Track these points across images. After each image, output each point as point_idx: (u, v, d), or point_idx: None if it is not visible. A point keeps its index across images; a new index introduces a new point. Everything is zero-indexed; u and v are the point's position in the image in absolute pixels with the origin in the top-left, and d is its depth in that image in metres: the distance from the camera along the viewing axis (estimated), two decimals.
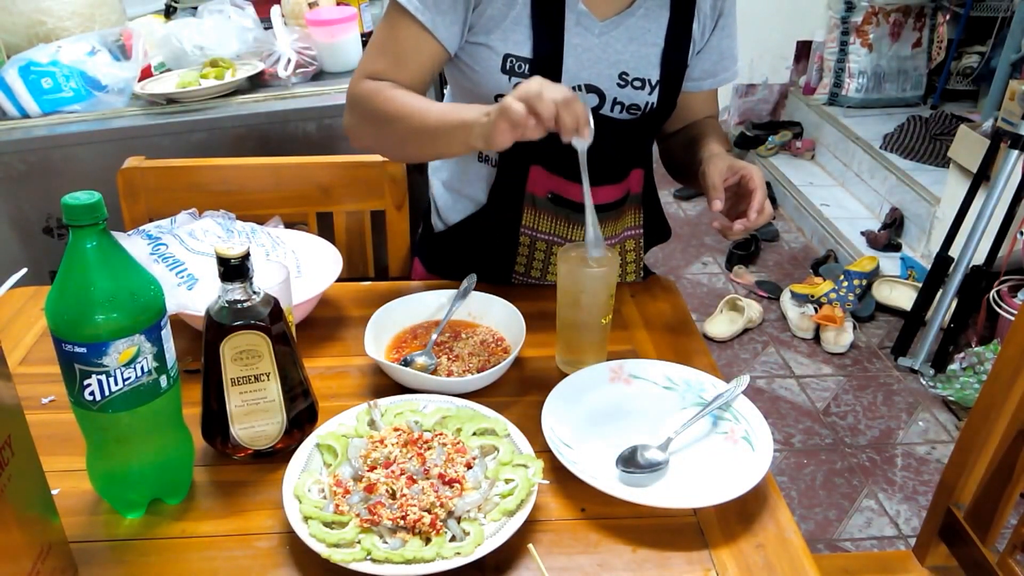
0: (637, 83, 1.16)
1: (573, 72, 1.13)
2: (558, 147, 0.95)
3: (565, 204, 1.21)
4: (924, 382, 2.56)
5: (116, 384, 0.75)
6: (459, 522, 0.80)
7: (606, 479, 0.87)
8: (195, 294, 1.03)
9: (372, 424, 0.93)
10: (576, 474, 0.86)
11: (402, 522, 0.78)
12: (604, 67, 1.14)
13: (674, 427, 0.94)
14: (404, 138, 1.08)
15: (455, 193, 1.29)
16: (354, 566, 0.75)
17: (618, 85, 1.15)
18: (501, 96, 0.94)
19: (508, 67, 1.11)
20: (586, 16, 1.12)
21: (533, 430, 0.92)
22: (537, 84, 0.90)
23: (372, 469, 0.85)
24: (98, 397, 0.75)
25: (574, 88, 1.09)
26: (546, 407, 0.95)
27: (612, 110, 1.17)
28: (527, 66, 1.11)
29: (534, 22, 1.09)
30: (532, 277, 1.28)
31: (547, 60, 1.11)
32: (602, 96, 1.16)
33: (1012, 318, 1.71)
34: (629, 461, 0.90)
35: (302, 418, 0.91)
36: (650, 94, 1.17)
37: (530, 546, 0.80)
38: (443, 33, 1.09)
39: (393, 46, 1.10)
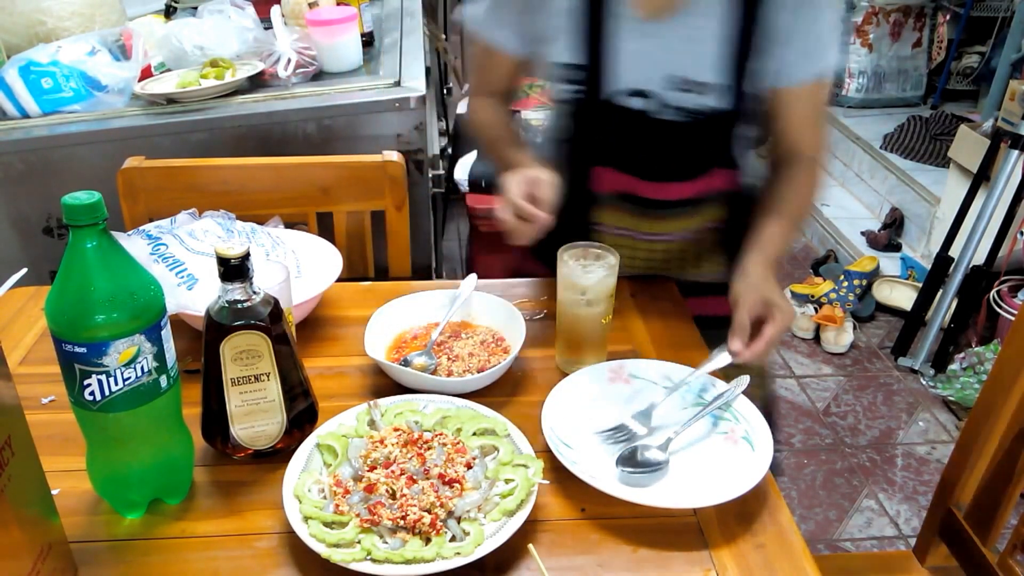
0: (690, 86, 1.10)
1: (621, 76, 1.11)
2: (622, 139, 1.11)
3: (630, 200, 1.19)
4: (924, 382, 2.56)
5: (116, 384, 0.75)
6: (459, 522, 0.80)
7: (606, 479, 0.87)
8: (195, 294, 1.03)
9: (372, 424, 0.93)
10: (576, 474, 0.86)
11: (402, 522, 0.78)
12: (653, 71, 1.10)
13: (674, 427, 0.94)
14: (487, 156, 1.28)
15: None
16: (354, 566, 0.75)
17: (668, 88, 1.11)
18: (563, 102, 1.16)
19: (561, 75, 1.14)
20: (631, 19, 1.09)
21: (533, 430, 0.92)
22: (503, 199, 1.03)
23: (372, 469, 0.85)
24: (98, 397, 0.75)
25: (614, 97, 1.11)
26: (546, 407, 0.95)
27: (662, 111, 1.12)
28: (577, 72, 1.13)
29: (583, 28, 1.10)
30: None
31: (592, 67, 1.11)
32: (652, 99, 1.12)
33: (1012, 318, 1.71)
34: (629, 461, 0.90)
35: (302, 418, 0.91)
36: (703, 96, 1.10)
37: (530, 546, 0.80)
38: (507, 44, 1.17)
39: (474, 61, 1.27)
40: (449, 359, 1.07)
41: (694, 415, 0.96)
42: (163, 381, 0.79)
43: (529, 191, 1.03)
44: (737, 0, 1.06)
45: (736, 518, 0.85)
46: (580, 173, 1.20)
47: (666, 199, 1.18)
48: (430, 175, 1.73)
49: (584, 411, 0.98)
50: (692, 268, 1.27)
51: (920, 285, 2.67)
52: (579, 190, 1.20)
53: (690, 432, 0.95)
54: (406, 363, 1.05)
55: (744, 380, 0.99)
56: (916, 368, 2.59)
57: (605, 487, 0.84)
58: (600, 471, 0.89)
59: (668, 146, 1.15)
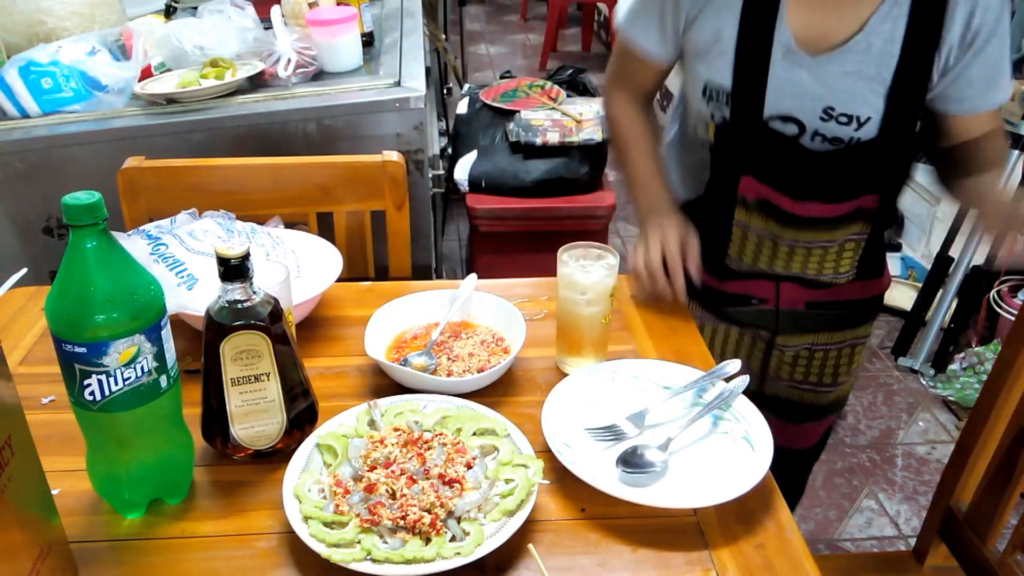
0: (843, 118, 1.10)
1: (772, 103, 1.11)
2: (769, 159, 1.14)
3: (773, 210, 1.19)
4: (924, 382, 2.56)
5: (116, 384, 0.75)
6: (459, 522, 0.80)
7: (606, 479, 0.87)
8: (195, 294, 1.03)
9: (372, 424, 0.93)
10: (576, 474, 0.86)
11: (402, 522, 0.78)
12: (808, 100, 1.10)
13: (674, 427, 0.94)
14: (616, 161, 1.32)
15: (683, 172, 1.30)
16: (354, 566, 0.75)
17: (821, 119, 1.11)
18: (711, 118, 1.16)
19: (708, 94, 1.14)
20: (795, 52, 1.09)
21: (533, 430, 0.92)
22: (641, 262, 1.16)
23: (372, 469, 0.85)
24: (98, 397, 0.75)
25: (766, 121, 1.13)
26: (546, 407, 0.95)
27: (812, 140, 1.13)
28: (726, 96, 1.13)
29: (738, 53, 1.09)
30: (744, 263, 1.27)
31: (746, 92, 1.11)
32: (802, 127, 1.12)
33: (1012, 318, 1.70)
34: (629, 461, 0.90)
35: (302, 418, 0.91)
36: (857, 129, 1.11)
37: (530, 546, 0.80)
38: (652, 50, 1.19)
39: (616, 59, 1.26)
40: (449, 359, 1.07)
41: (694, 415, 0.96)
42: (163, 381, 0.79)
43: (673, 251, 1.14)
44: (906, 43, 1.06)
45: (736, 518, 0.85)
46: (726, 178, 1.19)
47: (810, 216, 1.18)
48: (430, 175, 1.73)
49: (584, 411, 0.98)
50: (828, 270, 1.25)
51: (920, 285, 2.67)
52: (723, 191, 1.20)
53: (690, 432, 0.95)
54: (406, 363, 1.05)
55: (744, 380, 0.99)
56: (916, 368, 2.59)
57: (605, 487, 0.84)
58: (600, 471, 0.89)
59: (818, 172, 1.14)
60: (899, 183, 1.21)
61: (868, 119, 1.10)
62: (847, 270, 1.26)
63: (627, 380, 1.03)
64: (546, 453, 0.89)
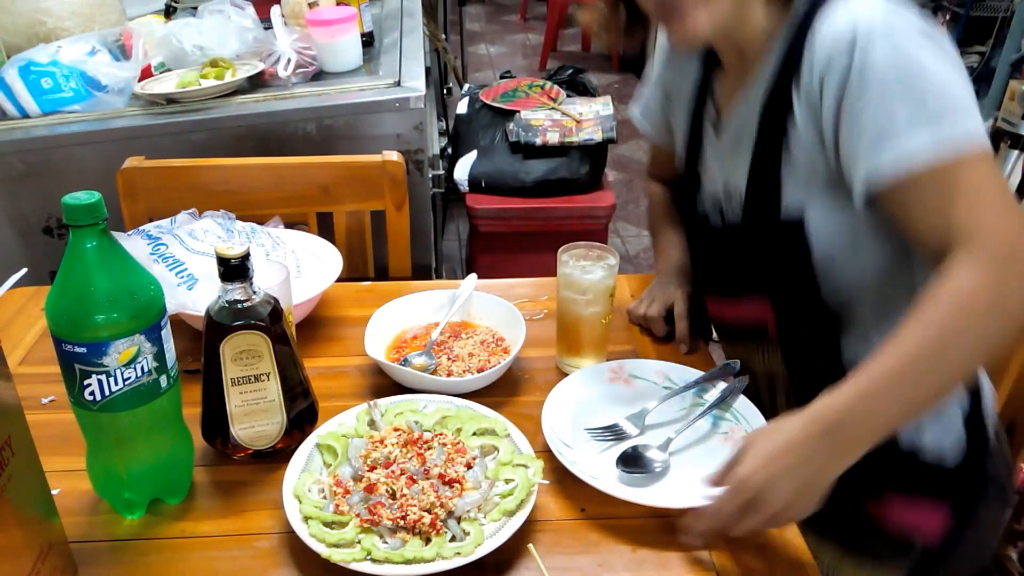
0: (732, 193, 0.99)
1: (705, 187, 1.06)
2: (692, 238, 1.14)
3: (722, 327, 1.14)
4: None
5: (116, 384, 0.75)
6: (459, 522, 0.80)
7: (606, 479, 0.87)
8: (195, 294, 1.03)
9: (372, 424, 0.93)
10: (576, 474, 0.86)
11: (402, 522, 0.78)
12: (718, 175, 1.02)
13: (674, 427, 0.94)
14: (649, 231, 1.34)
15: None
16: (354, 566, 0.75)
17: (724, 199, 1.02)
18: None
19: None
20: (711, 113, 1.04)
21: (533, 430, 0.92)
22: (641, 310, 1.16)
23: (372, 469, 0.85)
24: (98, 397, 0.75)
25: None
26: (546, 407, 0.95)
27: (717, 222, 1.04)
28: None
29: (687, 135, 1.10)
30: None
31: (687, 172, 1.10)
32: (715, 208, 1.04)
33: None
34: (629, 461, 0.90)
35: (302, 418, 0.91)
36: (730, 205, 1.00)
37: (530, 546, 0.80)
38: (653, 137, 1.22)
39: (649, 147, 1.29)
40: (449, 359, 1.07)
41: (694, 415, 0.96)
42: (163, 381, 0.79)
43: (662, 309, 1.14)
44: (768, 105, 0.91)
45: None
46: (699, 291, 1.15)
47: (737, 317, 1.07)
48: (430, 175, 1.73)
49: (584, 411, 0.98)
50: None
51: None
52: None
53: (690, 432, 0.95)
54: (406, 363, 1.05)
55: (744, 380, 0.99)
56: None
57: (605, 487, 0.84)
58: (600, 471, 0.89)
59: (709, 251, 1.09)
60: (795, 298, 0.96)
61: (740, 196, 0.97)
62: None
63: (627, 380, 1.03)
64: (546, 453, 0.89)
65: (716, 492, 0.76)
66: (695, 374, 1.02)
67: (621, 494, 0.84)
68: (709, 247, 1.08)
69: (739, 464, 0.75)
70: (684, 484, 0.88)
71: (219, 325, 0.83)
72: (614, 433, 0.95)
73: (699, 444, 0.95)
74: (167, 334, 0.79)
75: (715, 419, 0.97)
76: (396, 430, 0.89)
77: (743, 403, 0.97)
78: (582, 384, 1.01)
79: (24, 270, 1.20)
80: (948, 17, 3.75)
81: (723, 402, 0.97)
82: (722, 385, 1.00)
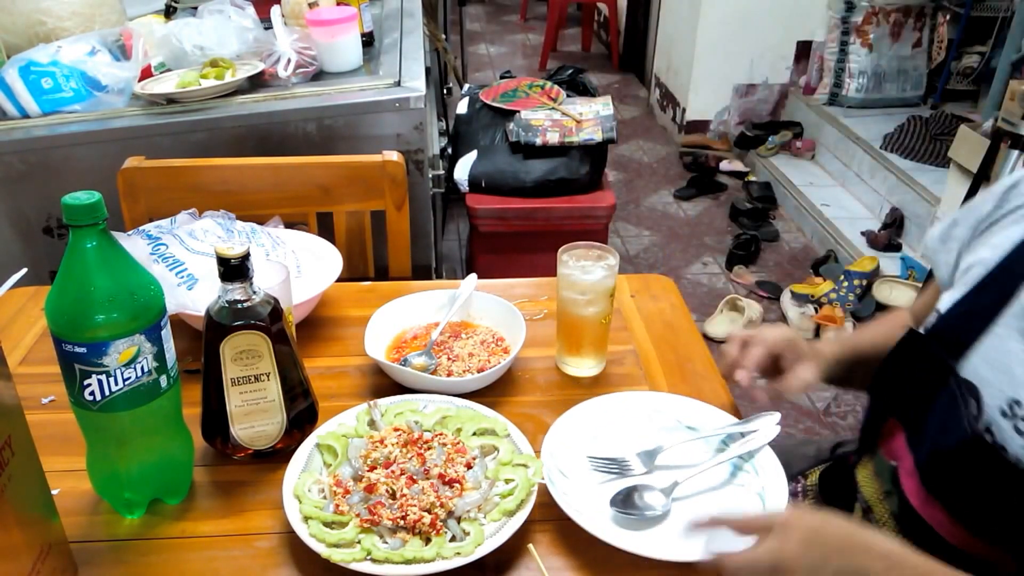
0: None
1: (983, 390, 0.79)
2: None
3: None
4: None
5: (116, 384, 0.75)
6: (459, 522, 0.80)
7: (592, 514, 0.83)
8: (195, 294, 1.03)
9: (372, 424, 0.93)
10: (563, 507, 0.81)
11: (402, 522, 0.78)
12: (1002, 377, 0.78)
13: (685, 472, 0.87)
14: None
15: None
16: (354, 566, 0.75)
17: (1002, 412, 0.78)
18: None
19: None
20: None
21: (533, 430, 0.92)
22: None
23: (372, 469, 0.85)
24: (98, 397, 0.75)
25: None
26: (555, 427, 0.92)
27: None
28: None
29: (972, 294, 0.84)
30: None
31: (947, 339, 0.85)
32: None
33: None
34: (625, 502, 0.84)
35: (302, 418, 0.91)
36: None
37: (530, 546, 0.80)
38: (940, 272, 0.97)
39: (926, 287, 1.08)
40: (449, 359, 1.07)
41: (709, 461, 0.88)
42: (163, 381, 0.79)
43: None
44: None
45: None
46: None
47: None
48: (430, 175, 1.73)
49: (595, 436, 0.93)
50: None
51: (920, 285, 2.67)
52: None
53: (703, 479, 0.87)
54: (406, 363, 1.05)
55: (775, 431, 0.90)
56: None
57: (590, 526, 0.79)
58: (593, 506, 0.84)
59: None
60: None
61: None
62: None
63: (649, 414, 0.97)
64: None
65: (747, 541, 0.71)
66: (727, 419, 0.95)
67: (608, 537, 0.78)
68: (1000, 486, 0.74)
69: (785, 534, 0.69)
70: (682, 534, 0.80)
71: (219, 325, 0.83)
72: (618, 467, 0.89)
73: (709, 493, 0.87)
74: (167, 334, 0.79)
75: (734, 468, 0.90)
76: (396, 430, 0.89)
77: (767, 456, 0.89)
78: (603, 408, 0.96)
79: (24, 270, 1.20)
80: (948, 17, 3.74)
81: (747, 451, 0.90)
82: (754, 439, 0.90)
